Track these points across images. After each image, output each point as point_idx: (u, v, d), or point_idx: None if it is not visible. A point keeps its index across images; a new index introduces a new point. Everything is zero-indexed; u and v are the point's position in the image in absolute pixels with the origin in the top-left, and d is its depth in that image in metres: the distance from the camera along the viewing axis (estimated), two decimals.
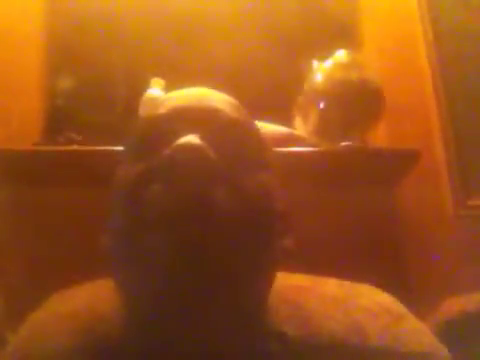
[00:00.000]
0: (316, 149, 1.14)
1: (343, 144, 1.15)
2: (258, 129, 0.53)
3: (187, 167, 0.42)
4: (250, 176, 0.46)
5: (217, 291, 0.42)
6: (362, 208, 1.15)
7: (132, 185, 0.45)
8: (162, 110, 0.49)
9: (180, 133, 0.44)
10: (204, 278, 0.41)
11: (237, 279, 0.43)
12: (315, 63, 1.23)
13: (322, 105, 1.17)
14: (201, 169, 0.42)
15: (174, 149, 0.43)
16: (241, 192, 0.44)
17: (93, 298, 0.55)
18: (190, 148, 0.42)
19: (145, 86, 1.20)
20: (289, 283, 0.55)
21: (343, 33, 1.42)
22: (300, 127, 1.23)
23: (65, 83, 1.26)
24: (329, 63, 1.21)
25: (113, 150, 0.95)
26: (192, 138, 0.43)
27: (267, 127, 1.10)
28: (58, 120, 1.23)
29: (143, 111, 1.14)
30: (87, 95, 1.30)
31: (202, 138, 0.44)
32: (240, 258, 0.43)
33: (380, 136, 1.29)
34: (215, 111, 0.49)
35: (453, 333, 0.68)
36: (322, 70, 1.20)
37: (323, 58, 1.21)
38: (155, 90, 1.19)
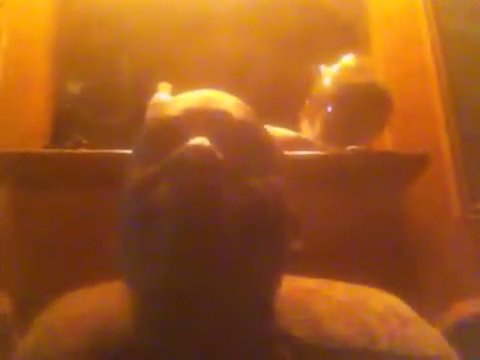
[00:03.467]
0: (323, 153, 1.14)
1: (350, 148, 1.15)
2: (268, 132, 0.53)
3: (196, 168, 0.42)
4: (259, 177, 0.46)
5: (225, 290, 0.42)
6: (369, 212, 1.15)
7: (141, 185, 0.45)
8: (171, 112, 0.50)
9: (189, 135, 0.45)
10: (212, 277, 0.41)
11: (245, 278, 0.43)
12: (322, 67, 1.23)
13: (329, 109, 1.17)
14: (210, 169, 0.42)
15: (183, 150, 0.43)
16: (250, 192, 0.44)
17: (101, 300, 0.55)
18: (199, 149, 0.43)
19: (152, 90, 1.20)
20: (298, 286, 0.55)
21: (349, 37, 1.42)
22: (307, 131, 1.23)
23: (73, 87, 1.27)
24: (336, 67, 1.21)
25: (120, 153, 0.96)
26: (201, 140, 0.43)
27: (274, 131, 1.10)
28: (66, 124, 1.23)
29: (150, 115, 1.15)
30: (95, 99, 1.30)
31: (211, 140, 0.44)
32: (248, 257, 0.43)
33: (387, 140, 1.28)
34: (224, 113, 0.49)
35: (463, 336, 0.68)
36: (329, 74, 1.20)
37: (330, 62, 1.22)
38: (162, 94, 1.19)
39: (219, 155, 0.44)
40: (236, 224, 0.42)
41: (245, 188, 0.44)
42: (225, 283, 0.42)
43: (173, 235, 0.41)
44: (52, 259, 1.04)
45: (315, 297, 0.53)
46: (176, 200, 0.42)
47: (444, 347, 0.50)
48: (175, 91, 1.18)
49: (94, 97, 1.30)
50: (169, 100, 0.56)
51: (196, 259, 0.41)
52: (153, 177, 0.45)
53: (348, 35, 1.43)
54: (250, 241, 0.43)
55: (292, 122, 1.23)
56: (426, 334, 0.50)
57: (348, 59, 1.21)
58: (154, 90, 1.21)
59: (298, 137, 1.19)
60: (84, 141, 1.15)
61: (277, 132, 1.13)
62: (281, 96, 1.32)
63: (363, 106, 1.15)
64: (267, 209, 0.45)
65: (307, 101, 1.23)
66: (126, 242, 0.46)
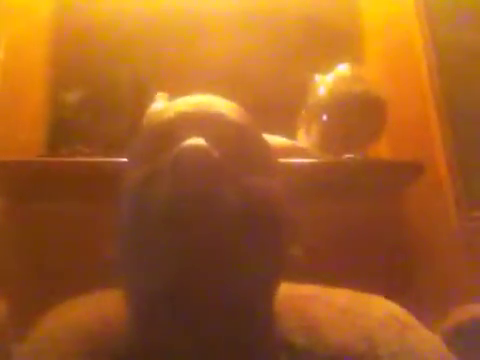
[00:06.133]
0: (319, 160, 1.14)
1: (346, 156, 1.15)
2: (263, 136, 0.54)
3: (192, 167, 0.42)
4: (256, 178, 0.46)
5: (222, 289, 0.42)
6: (365, 220, 1.15)
7: (139, 187, 0.46)
8: (168, 114, 0.50)
9: (185, 137, 0.45)
10: (209, 277, 0.41)
11: (243, 279, 0.43)
12: (317, 76, 1.23)
13: (325, 118, 1.17)
14: (206, 169, 0.43)
15: (179, 150, 0.43)
16: (247, 193, 0.45)
17: (100, 307, 0.55)
18: (195, 149, 0.43)
19: (151, 99, 1.21)
20: (297, 293, 0.55)
21: (344, 46, 1.43)
22: (303, 140, 1.23)
23: (71, 96, 1.27)
24: (331, 76, 1.21)
25: (118, 161, 0.96)
26: (197, 140, 0.44)
27: (271, 139, 1.10)
28: (64, 132, 1.23)
29: (147, 122, 1.15)
30: (93, 107, 1.30)
31: (207, 141, 0.44)
32: (246, 257, 0.43)
33: (383, 148, 1.29)
34: (220, 116, 0.49)
35: (461, 342, 0.68)
36: (325, 83, 1.21)
37: (324, 71, 1.22)
38: (160, 104, 1.20)
39: (215, 154, 0.44)
40: (234, 223, 0.43)
41: (242, 187, 0.45)
42: (222, 283, 0.42)
43: (171, 236, 0.41)
44: (50, 267, 1.04)
45: (314, 303, 0.53)
46: (173, 200, 0.42)
47: (444, 353, 0.50)
48: (173, 99, 1.18)
49: (92, 105, 1.30)
50: (165, 105, 0.56)
51: (196, 260, 0.41)
52: (150, 178, 0.45)
53: (342, 44, 1.43)
54: (248, 241, 0.43)
55: (288, 131, 1.23)
56: (426, 340, 0.50)
57: (343, 68, 1.22)
58: (153, 99, 1.21)
59: (294, 145, 1.19)
60: (82, 149, 1.15)
61: (273, 140, 1.13)
62: (277, 105, 1.33)
63: (358, 115, 1.16)
64: (264, 209, 0.45)
65: (303, 110, 1.23)
66: (126, 245, 0.46)
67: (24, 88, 1.29)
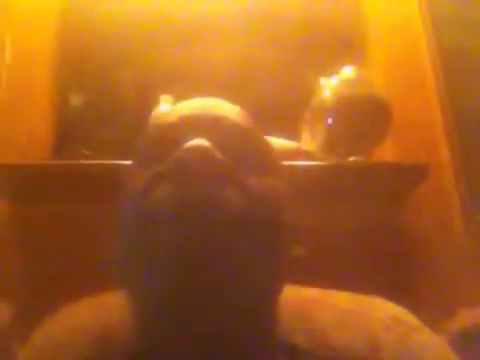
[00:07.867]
0: (324, 163, 1.14)
1: (351, 159, 1.15)
2: (266, 139, 0.54)
3: (195, 167, 0.43)
4: (258, 179, 0.46)
5: (224, 291, 0.42)
6: (370, 223, 1.15)
7: (142, 188, 0.46)
8: (171, 118, 0.50)
9: (188, 139, 0.45)
10: (212, 278, 0.41)
11: (245, 280, 0.43)
12: (322, 79, 1.23)
13: (330, 121, 1.17)
14: (209, 169, 0.43)
15: (182, 151, 0.44)
16: (250, 193, 0.45)
17: (102, 310, 0.55)
18: (198, 149, 0.43)
19: (155, 102, 1.21)
20: (300, 295, 0.55)
21: (348, 49, 1.43)
22: (307, 143, 1.23)
23: (75, 99, 1.28)
24: (336, 79, 1.21)
25: (122, 164, 0.96)
26: (200, 141, 0.44)
27: (275, 142, 1.11)
28: (68, 136, 1.24)
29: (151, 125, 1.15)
30: (97, 111, 1.31)
31: (211, 143, 0.44)
32: (248, 257, 0.43)
33: (387, 150, 1.28)
34: (223, 119, 0.49)
35: (467, 345, 0.67)
36: (329, 86, 1.21)
37: (329, 74, 1.22)
38: (164, 107, 1.20)
39: (218, 155, 0.44)
40: (237, 224, 0.42)
41: (245, 188, 0.45)
42: (224, 282, 0.42)
43: (175, 237, 0.41)
44: (52, 270, 1.04)
45: (318, 306, 0.53)
46: (176, 201, 0.42)
47: (449, 355, 0.50)
48: (178, 102, 1.18)
49: (96, 109, 1.31)
50: (169, 109, 0.56)
51: (199, 261, 0.41)
52: (153, 180, 0.45)
53: (347, 47, 1.43)
54: (251, 242, 0.43)
55: (293, 133, 1.23)
56: (432, 343, 0.50)
57: (348, 71, 1.22)
58: (156, 102, 1.21)
59: (299, 148, 1.19)
60: (86, 153, 1.15)
61: (278, 143, 1.13)
62: (281, 108, 1.33)
63: (363, 117, 1.15)
64: (268, 210, 0.45)
65: (307, 113, 1.23)
66: (128, 247, 0.46)
67: (29, 93, 1.29)
